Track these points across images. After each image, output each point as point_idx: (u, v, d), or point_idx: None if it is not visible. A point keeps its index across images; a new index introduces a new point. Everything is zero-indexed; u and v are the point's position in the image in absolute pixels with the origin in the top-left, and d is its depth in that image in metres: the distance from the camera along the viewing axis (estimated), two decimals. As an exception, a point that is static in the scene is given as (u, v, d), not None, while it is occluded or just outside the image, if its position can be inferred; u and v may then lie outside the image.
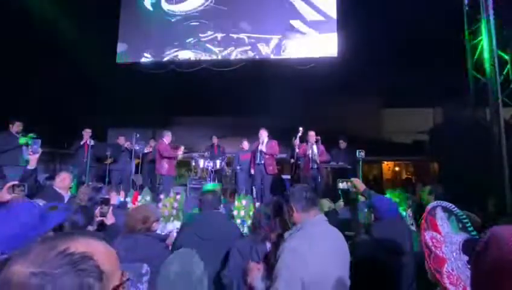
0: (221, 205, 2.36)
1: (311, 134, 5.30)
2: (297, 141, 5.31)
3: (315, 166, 5.22)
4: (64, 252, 0.49)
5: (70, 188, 3.24)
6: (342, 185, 2.70)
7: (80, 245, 0.51)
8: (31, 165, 2.67)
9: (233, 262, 1.64)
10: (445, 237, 0.78)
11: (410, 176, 8.28)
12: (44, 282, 0.46)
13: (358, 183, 2.51)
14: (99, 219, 2.03)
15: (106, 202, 2.09)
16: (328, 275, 1.25)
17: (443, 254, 0.73)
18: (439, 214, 0.85)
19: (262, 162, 5.27)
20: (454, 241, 0.76)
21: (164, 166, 5.34)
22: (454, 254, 0.73)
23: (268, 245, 1.64)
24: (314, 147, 5.26)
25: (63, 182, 3.11)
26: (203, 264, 1.32)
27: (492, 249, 0.53)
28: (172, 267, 1.25)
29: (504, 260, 0.51)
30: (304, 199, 1.39)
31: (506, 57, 4.56)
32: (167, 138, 5.50)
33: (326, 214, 2.38)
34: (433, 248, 0.74)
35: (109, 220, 2.08)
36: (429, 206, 0.85)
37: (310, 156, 5.21)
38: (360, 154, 5.25)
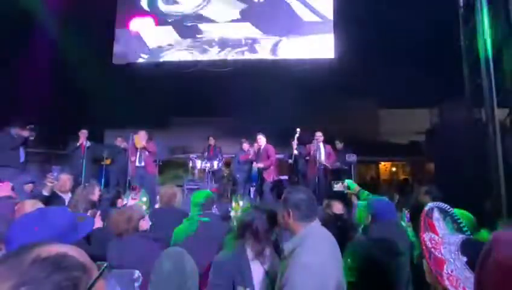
0: (214, 206, 2.35)
1: (318, 134, 5.29)
2: (295, 142, 5.31)
3: (322, 166, 5.21)
4: (38, 258, 0.47)
5: (70, 190, 3.22)
6: (336, 186, 2.71)
7: (50, 249, 0.50)
8: (46, 191, 2.70)
9: (213, 281, 1.37)
10: (443, 238, 0.78)
11: (407, 177, 8.32)
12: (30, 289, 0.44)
13: (352, 185, 2.53)
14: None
15: (93, 204, 2.08)
16: (333, 281, 1.25)
17: (442, 255, 0.73)
18: (436, 215, 0.85)
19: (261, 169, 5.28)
20: (452, 241, 0.76)
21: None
22: (452, 255, 0.73)
23: (256, 265, 1.41)
24: (322, 147, 5.26)
25: (64, 185, 3.12)
26: (193, 261, 1.30)
27: (496, 253, 0.52)
28: (164, 265, 1.24)
29: (509, 265, 0.50)
30: (304, 208, 1.32)
31: (502, 58, 4.60)
32: (139, 136, 5.36)
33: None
34: (432, 249, 0.74)
35: (96, 223, 2.05)
36: (426, 208, 0.85)
37: (317, 156, 5.19)
38: (351, 158, 5.27)
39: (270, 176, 5.25)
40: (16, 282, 0.44)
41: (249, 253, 1.41)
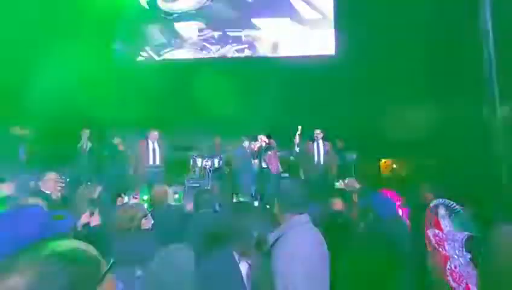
0: (217, 204, 2.35)
1: (317, 132, 5.30)
2: (296, 140, 5.31)
3: (320, 164, 5.22)
4: (53, 253, 0.50)
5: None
6: (338, 184, 2.73)
7: (62, 244, 0.53)
8: (55, 195, 2.76)
9: None
10: (447, 235, 0.77)
11: (408, 174, 8.29)
12: (47, 281, 0.47)
13: (354, 182, 2.53)
14: (84, 221, 2.02)
15: (93, 202, 2.09)
16: (317, 274, 1.25)
17: (446, 251, 0.73)
18: (441, 212, 0.85)
19: (266, 166, 5.27)
20: (457, 238, 0.75)
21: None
22: (457, 251, 0.72)
23: (242, 262, 1.41)
24: (321, 144, 5.26)
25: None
26: (186, 259, 1.26)
27: (500, 247, 0.52)
28: (152, 263, 1.23)
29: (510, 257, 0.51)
30: (290, 200, 1.35)
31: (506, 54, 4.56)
32: (150, 136, 5.23)
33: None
34: (436, 245, 0.74)
35: (94, 221, 2.05)
36: (431, 205, 0.85)
37: (316, 154, 5.20)
38: (351, 156, 5.29)
39: (274, 168, 5.25)
40: (33, 275, 0.47)
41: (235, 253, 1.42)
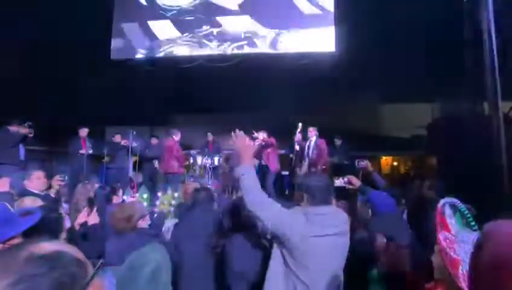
0: (215, 203, 2.32)
1: (310, 129, 5.29)
2: (297, 137, 5.29)
3: (309, 161, 5.22)
4: (33, 255, 0.47)
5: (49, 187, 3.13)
6: (337, 181, 2.71)
7: (43, 246, 0.50)
8: (53, 193, 2.76)
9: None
10: (457, 236, 0.74)
11: (408, 171, 8.30)
12: (27, 286, 0.44)
13: (354, 180, 2.51)
14: (82, 220, 1.99)
15: (90, 200, 2.07)
16: (331, 264, 1.31)
17: (457, 255, 0.70)
18: (447, 211, 0.82)
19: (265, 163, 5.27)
20: (466, 240, 0.72)
21: (173, 165, 5.26)
22: (467, 254, 0.69)
23: None
24: (313, 142, 5.24)
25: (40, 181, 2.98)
26: (157, 262, 1.25)
27: (489, 244, 0.51)
28: (124, 265, 1.22)
29: (501, 254, 0.50)
30: (318, 194, 1.43)
31: (506, 50, 4.52)
32: (177, 136, 5.39)
33: None
34: (447, 249, 0.71)
35: (91, 220, 2.03)
36: (439, 205, 0.81)
37: (306, 151, 5.21)
38: (361, 164, 5.28)
39: (273, 166, 5.23)
40: (14, 279, 0.44)
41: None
